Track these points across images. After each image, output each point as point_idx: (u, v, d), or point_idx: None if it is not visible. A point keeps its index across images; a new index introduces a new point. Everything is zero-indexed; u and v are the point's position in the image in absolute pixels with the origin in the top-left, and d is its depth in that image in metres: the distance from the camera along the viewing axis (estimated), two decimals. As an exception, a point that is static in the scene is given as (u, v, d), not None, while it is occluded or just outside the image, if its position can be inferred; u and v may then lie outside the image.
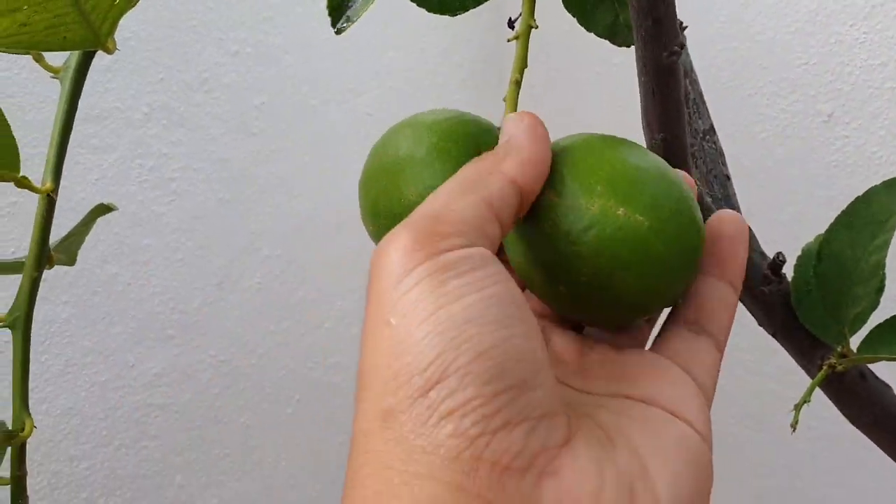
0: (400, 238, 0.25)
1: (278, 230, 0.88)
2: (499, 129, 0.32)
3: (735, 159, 0.88)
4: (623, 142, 0.30)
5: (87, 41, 0.35)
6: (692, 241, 0.28)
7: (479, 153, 0.29)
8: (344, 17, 0.29)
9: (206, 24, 0.78)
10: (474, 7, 0.40)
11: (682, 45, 0.37)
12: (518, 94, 0.34)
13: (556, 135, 0.31)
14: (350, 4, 0.29)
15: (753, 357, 0.93)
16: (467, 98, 1.05)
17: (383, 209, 0.33)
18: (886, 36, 0.78)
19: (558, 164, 0.29)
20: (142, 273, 0.78)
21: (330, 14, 0.30)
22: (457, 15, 0.40)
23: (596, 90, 1.04)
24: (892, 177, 0.86)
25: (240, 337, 0.86)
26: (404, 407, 0.24)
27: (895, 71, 0.78)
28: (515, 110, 0.33)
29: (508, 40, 0.36)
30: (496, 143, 0.29)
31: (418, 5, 0.40)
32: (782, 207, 0.87)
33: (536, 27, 0.35)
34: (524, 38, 0.35)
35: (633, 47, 0.40)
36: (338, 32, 0.29)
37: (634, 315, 0.29)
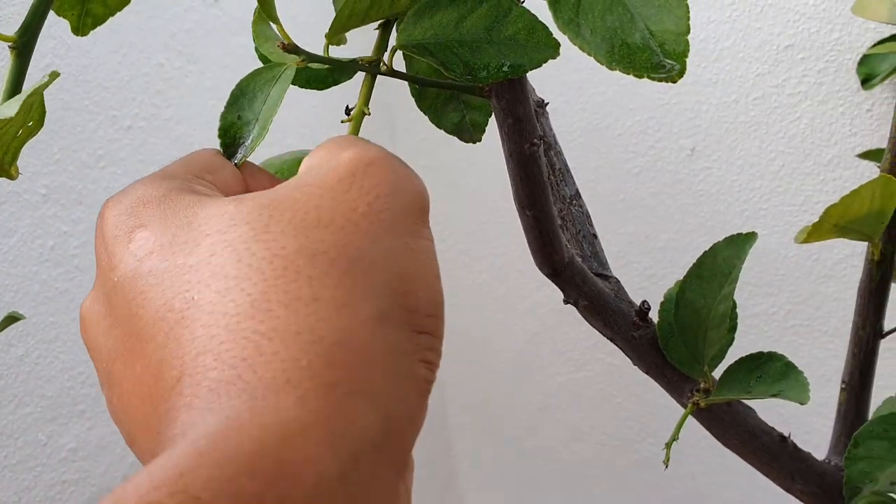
0: None
1: (184, 294, 0.89)
2: None
3: (612, 194, 0.95)
4: None
5: (-9, 171, 0.37)
6: None
7: None
8: (240, 153, 0.31)
9: (98, 102, 0.79)
10: (335, 85, 0.43)
11: (541, 138, 0.41)
12: None
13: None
14: (242, 140, 0.32)
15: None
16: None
17: None
18: (736, 76, 0.86)
19: None
20: (49, 351, 0.78)
21: (224, 152, 0.31)
22: (323, 90, 0.43)
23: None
24: (745, 210, 0.94)
25: (153, 402, 0.87)
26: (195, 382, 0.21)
27: (745, 106, 0.86)
28: None
29: (342, 122, 0.37)
30: None
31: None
32: (657, 235, 0.94)
33: (369, 114, 0.37)
34: (357, 122, 0.37)
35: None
36: (237, 166, 0.31)
37: None
